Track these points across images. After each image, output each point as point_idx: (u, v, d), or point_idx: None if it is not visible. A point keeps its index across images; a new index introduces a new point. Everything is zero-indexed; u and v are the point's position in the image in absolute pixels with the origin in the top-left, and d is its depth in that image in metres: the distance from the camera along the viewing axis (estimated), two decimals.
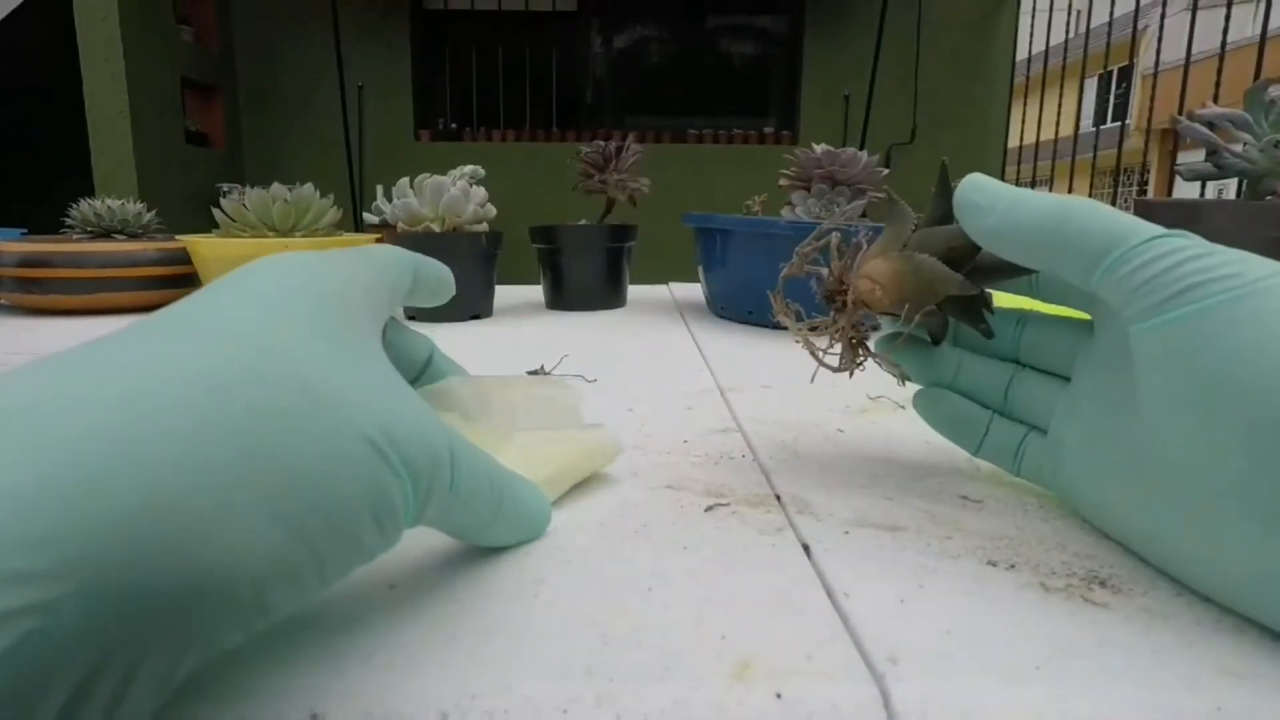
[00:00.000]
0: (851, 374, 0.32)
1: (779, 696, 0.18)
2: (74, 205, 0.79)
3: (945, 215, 0.31)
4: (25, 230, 0.84)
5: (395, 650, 0.19)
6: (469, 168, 0.82)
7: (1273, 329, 0.19)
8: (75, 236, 0.80)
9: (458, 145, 2.70)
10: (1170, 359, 0.21)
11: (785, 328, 0.33)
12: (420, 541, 0.25)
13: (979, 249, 0.30)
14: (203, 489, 0.13)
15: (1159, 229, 0.23)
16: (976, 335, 0.32)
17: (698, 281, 0.83)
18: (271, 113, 2.56)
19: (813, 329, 0.32)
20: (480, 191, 0.79)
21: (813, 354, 0.32)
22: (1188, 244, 0.22)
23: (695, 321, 0.77)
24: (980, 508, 0.30)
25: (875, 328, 0.34)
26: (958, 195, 0.27)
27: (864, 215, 0.74)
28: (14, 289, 0.74)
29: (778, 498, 0.30)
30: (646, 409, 0.43)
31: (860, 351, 0.32)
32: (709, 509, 0.29)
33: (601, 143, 0.83)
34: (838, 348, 0.32)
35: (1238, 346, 0.20)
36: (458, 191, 0.76)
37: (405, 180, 0.78)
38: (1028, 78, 2.92)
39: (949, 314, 0.31)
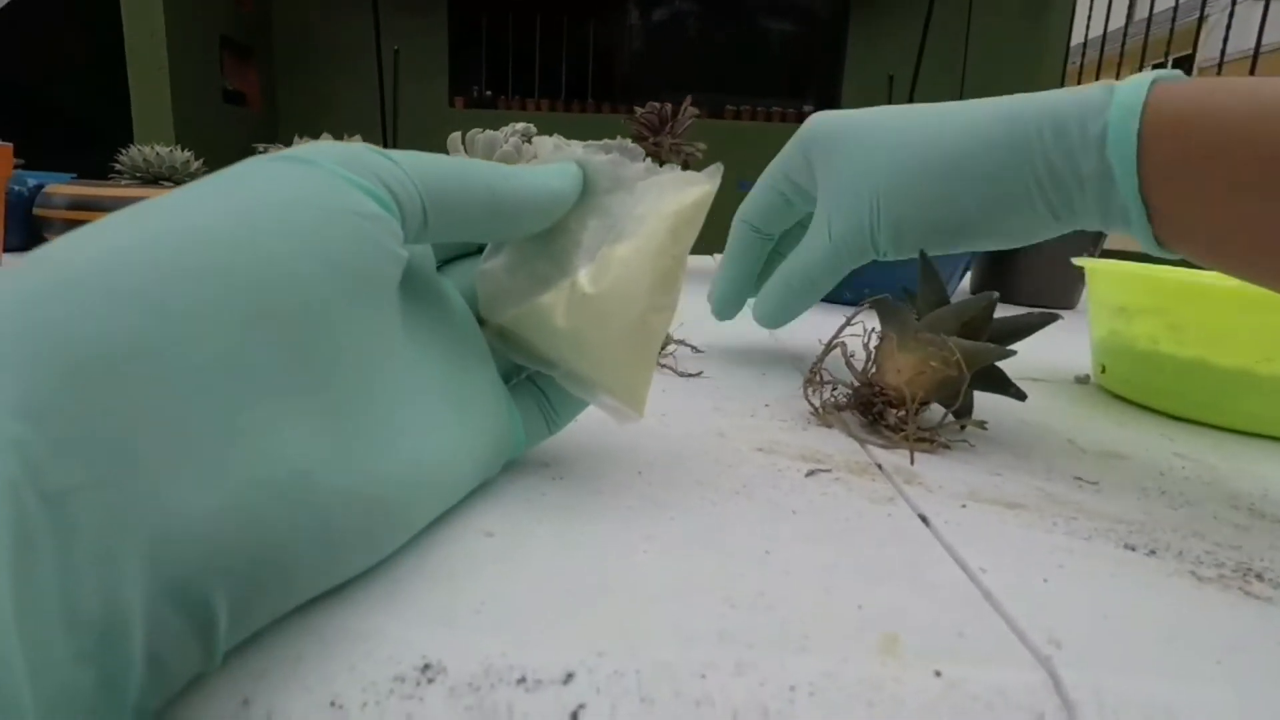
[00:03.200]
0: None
1: (938, 675, 0.16)
2: (122, 151, 0.78)
3: (940, 297, 0.32)
4: (75, 175, 0.83)
5: (506, 602, 0.17)
6: (520, 125, 0.79)
7: None
8: (124, 182, 0.79)
9: (492, 113, 2.67)
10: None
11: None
12: (512, 492, 0.23)
13: (991, 317, 0.31)
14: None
15: None
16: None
17: None
18: (307, 75, 2.54)
19: (882, 445, 0.31)
20: (532, 149, 0.76)
21: (911, 453, 0.30)
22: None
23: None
24: (1097, 489, 0.28)
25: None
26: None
27: None
28: (62, 232, 0.73)
29: (879, 466, 0.28)
30: (718, 373, 0.41)
31: (930, 435, 0.31)
32: (810, 474, 0.27)
33: (656, 104, 0.81)
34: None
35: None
36: (510, 148, 0.73)
37: (456, 135, 0.75)
38: (1081, 63, 2.83)
39: (977, 388, 0.31)
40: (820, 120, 0.38)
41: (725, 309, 0.45)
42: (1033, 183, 0.30)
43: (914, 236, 0.34)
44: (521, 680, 0.15)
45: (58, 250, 0.14)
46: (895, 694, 0.15)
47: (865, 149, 0.35)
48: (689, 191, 0.23)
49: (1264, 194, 0.26)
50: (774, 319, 0.42)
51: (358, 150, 0.18)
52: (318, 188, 0.17)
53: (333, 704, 0.14)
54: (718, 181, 0.24)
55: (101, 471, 0.12)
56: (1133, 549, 0.23)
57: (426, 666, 0.15)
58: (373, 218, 0.17)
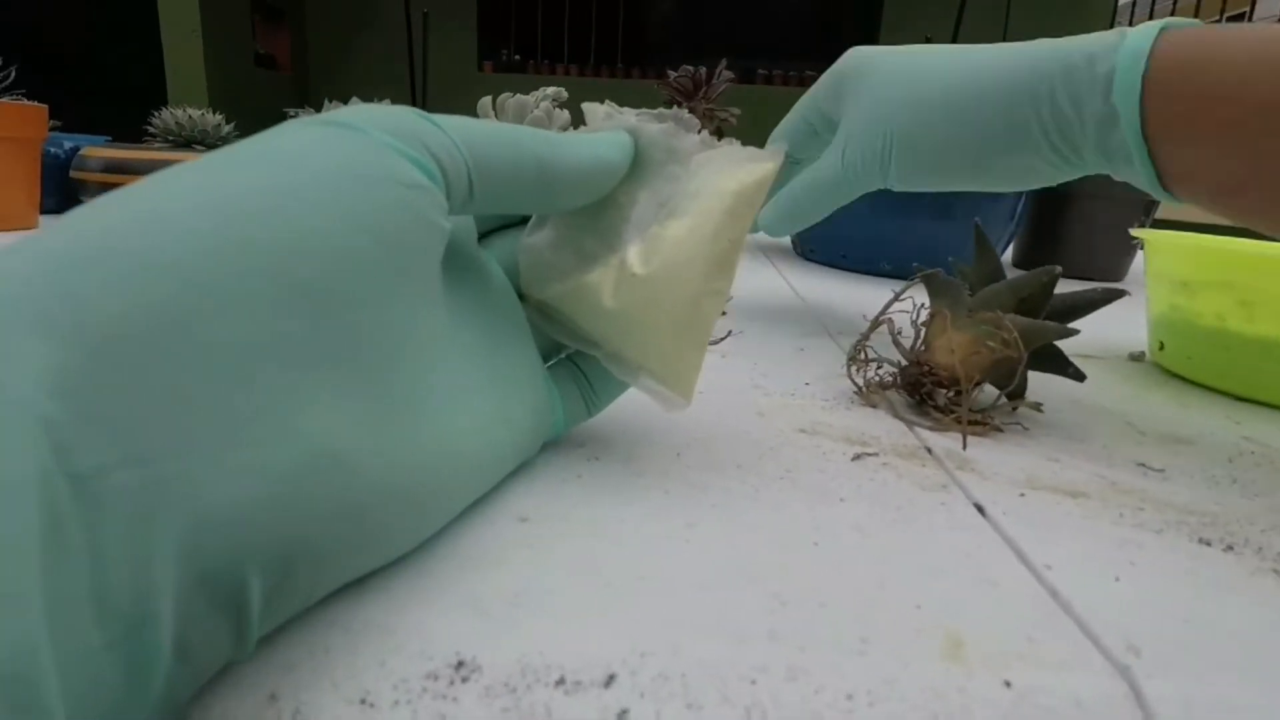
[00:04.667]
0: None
1: (1008, 685, 0.15)
2: (155, 114, 0.77)
3: (995, 271, 0.31)
4: (109, 138, 0.83)
5: (543, 593, 0.16)
6: (551, 89, 0.78)
7: None
8: (157, 145, 0.79)
9: (520, 78, 2.64)
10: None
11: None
12: (546, 474, 0.22)
13: (1051, 293, 0.29)
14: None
15: None
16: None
17: None
18: (338, 38, 2.53)
19: (930, 427, 0.29)
20: (564, 115, 0.74)
21: (964, 436, 0.28)
22: None
23: (782, 264, 0.73)
24: (1164, 477, 0.26)
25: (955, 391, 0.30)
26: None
27: None
28: (97, 194, 0.73)
29: (929, 450, 0.27)
30: (756, 349, 0.39)
31: (983, 418, 0.29)
32: (856, 458, 0.25)
33: (690, 68, 0.78)
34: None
35: None
36: (541, 113, 0.72)
37: (487, 100, 0.74)
38: (1130, 23, 2.72)
39: (1032, 367, 0.30)
40: (854, 53, 0.40)
41: (777, 226, 0.45)
42: (1039, 121, 0.31)
43: (924, 168, 0.36)
44: (560, 681, 0.14)
45: (91, 217, 0.13)
46: (962, 704, 0.14)
47: (887, 81, 0.37)
48: (750, 169, 0.22)
49: (1265, 138, 0.26)
50: (776, 229, 0.44)
51: (404, 116, 0.17)
52: (362, 156, 0.16)
53: (363, 701, 0.13)
54: (780, 160, 0.22)
55: (133, 451, 0.11)
56: (1208, 544, 0.21)
57: (461, 664, 0.14)
58: (418, 188, 0.16)
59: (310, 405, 0.14)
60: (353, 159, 0.15)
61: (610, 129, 0.22)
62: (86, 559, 0.11)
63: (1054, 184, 0.33)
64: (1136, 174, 0.30)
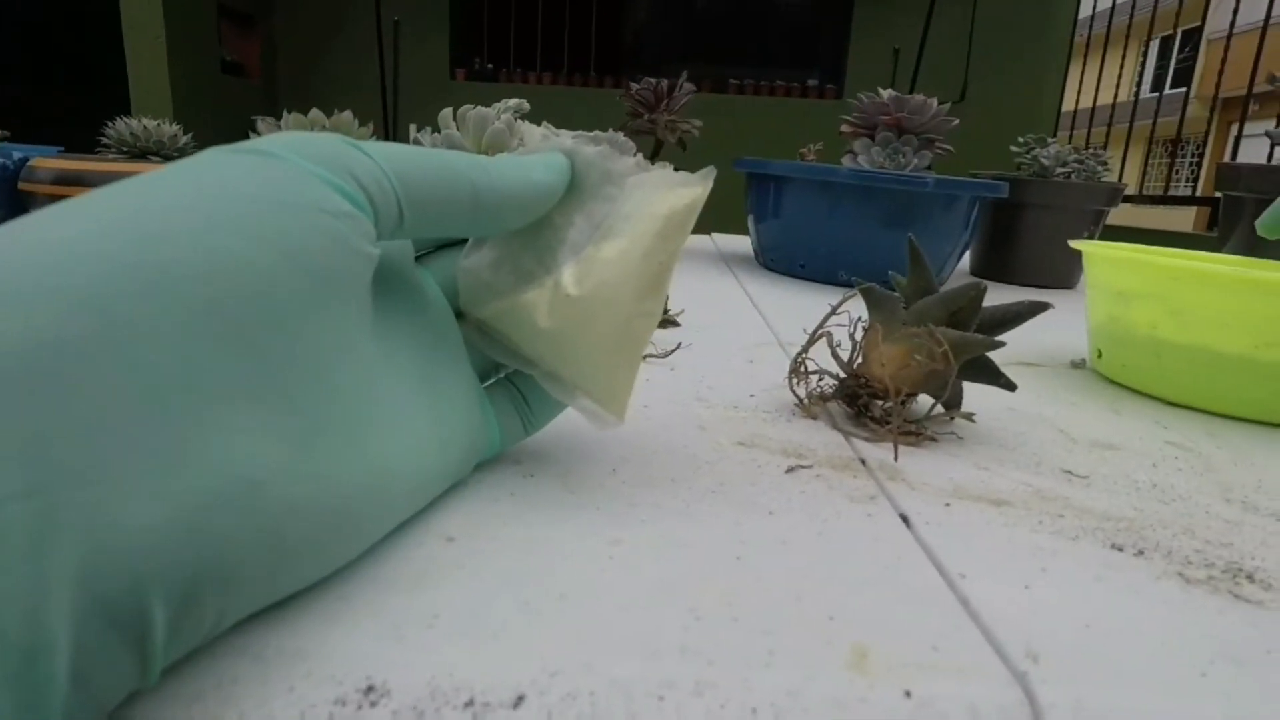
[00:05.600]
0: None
1: (908, 695, 0.15)
2: (109, 124, 0.76)
3: (928, 285, 0.31)
4: (61, 148, 0.81)
5: (459, 614, 0.17)
6: (513, 101, 0.78)
7: None
8: (111, 156, 0.78)
9: (493, 86, 2.63)
10: None
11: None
12: (478, 492, 0.23)
13: (980, 306, 0.30)
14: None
15: None
16: None
17: (740, 233, 0.80)
18: (307, 45, 2.51)
19: (867, 439, 0.30)
20: (525, 126, 0.75)
21: (895, 447, 0.29)
22: None
23: (743, 273, 0.74)
24: (1087, 484, 0.27)
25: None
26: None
27: (929, 168, 0.70)
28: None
29: (862, 462, 0.27)
30: (703, 360, 0.40)
31: (916, 429, 0.30)
32: (790, 470, 0.26)
33: (652, 80, 0.79)
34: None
35: None
36: (502, 125, 0.72)
37: (448, 111, 0.74)
38: (1089, 36, 2.77)
39: (966, 378, 0.31)
40: None
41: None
42: None
43: None
44: (469, 704, 0.14)
45: (1, 239, 0.13)
46: (863, 714, 0.15)
47: None
48: (680, 193, 0.22)
49: None
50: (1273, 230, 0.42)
51: (329, 143, 0.17)
52: (285, 183, 0.16)
53: None
54: (709, 185, 0.23)
55: (29, 481, 0.11)
56: (1120, 549, 0.22)
57: (370, 689, 0.14)
58: (342, 215, 0.16)
59: (227, 432, 0.14)
60: (275, 186, 0.16)
61: (547, 150, 0.22)
62: None
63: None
64: None
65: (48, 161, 0.71)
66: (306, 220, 0.16)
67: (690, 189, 0.22)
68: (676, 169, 0.23)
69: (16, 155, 0.77)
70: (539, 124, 0.73)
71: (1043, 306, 0.29)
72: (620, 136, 0.26)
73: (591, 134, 0.26)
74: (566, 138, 0.24)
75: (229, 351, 0.14)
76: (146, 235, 0.14)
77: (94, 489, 0.12)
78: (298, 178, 0.16)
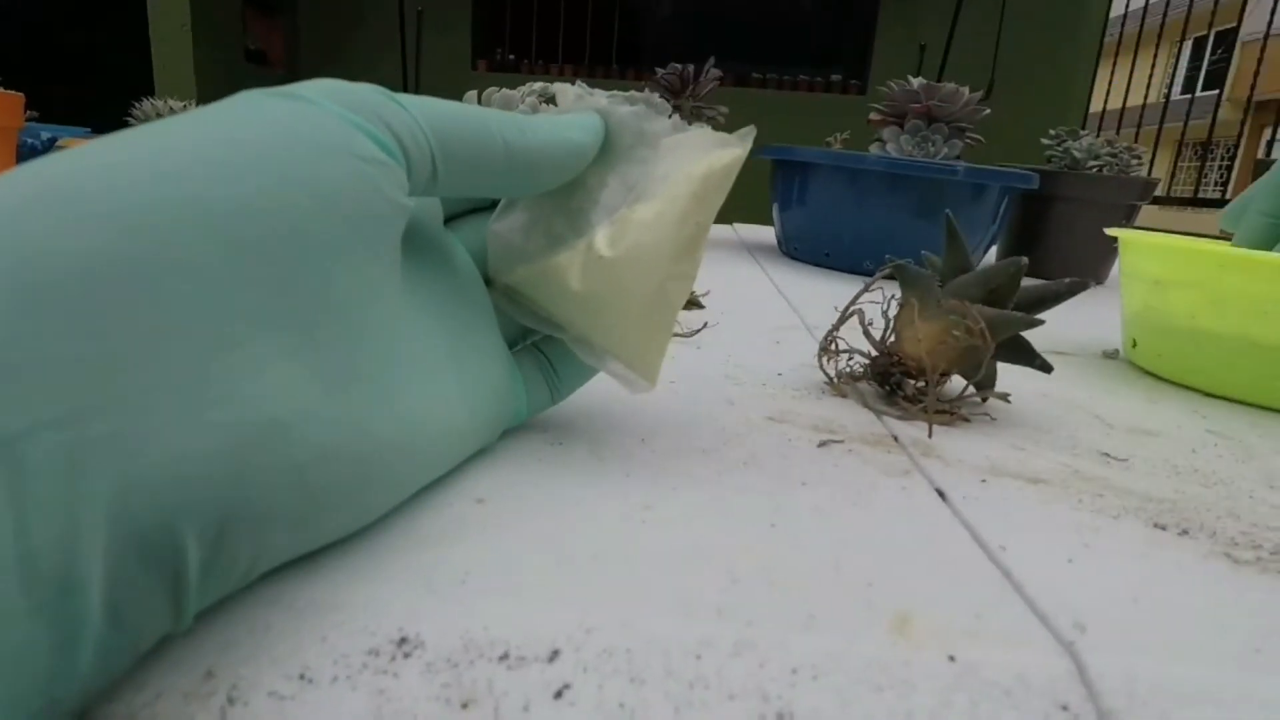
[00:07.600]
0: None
1: (952, 659, 0.15)
2: (136, 105, 0.77)
3: (964, 263, 0.30)
4: (90, 129, 0.82)
5: (492, 570, 0.16)
6: (538, 84, 0.78)
7: None
8: None
9: (515, 77, 2.63)
10: None
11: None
12: (507, 458, 0.22)
13: (1019, 284, 0.29)
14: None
15: None
16: None
17: (762, 223, 0.79)
18: (331, 35, 2.52)
19: (899, 417, 0.29)
20: (549, 111, 0.74)
21: (929, 425, 0.28)
22: None
23: (766, 261, 0.73)
24: (1126, 466, 0.26)
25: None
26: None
27: (959, 157, 0.69)
28: None
29: (895, 438, 0.27)
30: (730, 340, 0.39)
31: (950, 409, 0.29)
32: (822, 444, 0.26)
33: (678, 65, 0.78)
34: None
35: None
36: (527, 108, 0.72)
37: (473, 93, 0.74)
38: (1120, 36, 2.73)
39: (1001, 359, 0.30)
40: None
41: None
42: None
43: None
44: (504, 657, 0.14)
45: (31, 168, 0.13)
46: (905, 678, 0.14)
47: None
48: (718, 154, 0.22)
49: None
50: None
51: (364, 91, 0.17)
52: (317, 127, 0.15)
53: (302, 676, 0.13)
54: (749, 145, 0.22)
55: (60, 408, 0.11)
56: (1163, 528, 0.22)
57: (404, 640, 0.14)
58: (375, 161, 0.16)
59: (256, 370, 0.14)
60: (308, 129, 0.15)
61: (581, 110, 0.22)
62: (9, 521, 0.10)
63: None
64: None
65: (75, 142, 0.72)
66: (340, 164, 0.15)
67: (729, 149, 0.22)
68: None
69: (45, 135, 0.78)
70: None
71: (1082, 285, 0.28)
72: (655, 97, 0.26)
73: (626, 94, 0.26)
74: (601, 97, 0.24)
75: (261, 290, 0.14)
76: (181, 167, 0.13)
77: (122, 418, 0.12)
78: (332, 122, 0.16)
